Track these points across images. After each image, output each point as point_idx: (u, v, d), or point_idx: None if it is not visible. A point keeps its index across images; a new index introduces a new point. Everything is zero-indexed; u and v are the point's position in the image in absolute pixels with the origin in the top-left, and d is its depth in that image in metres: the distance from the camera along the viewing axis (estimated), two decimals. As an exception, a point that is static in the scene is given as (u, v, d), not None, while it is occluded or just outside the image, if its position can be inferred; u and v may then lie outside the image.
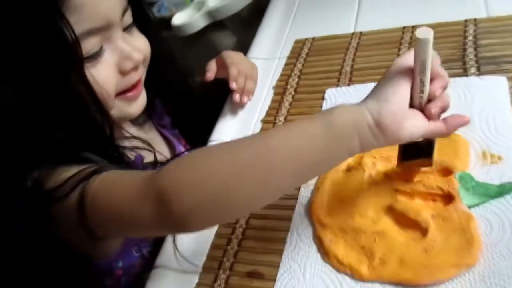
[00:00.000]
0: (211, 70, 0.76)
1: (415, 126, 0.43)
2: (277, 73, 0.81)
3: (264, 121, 0.72)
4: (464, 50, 0.67)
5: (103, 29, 0.52)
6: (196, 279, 0.55)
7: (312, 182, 0.59)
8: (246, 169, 0.40)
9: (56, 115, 0.51)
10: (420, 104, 0.44)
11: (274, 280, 0.51)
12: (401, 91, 0.42)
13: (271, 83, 0.79)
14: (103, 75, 0.53)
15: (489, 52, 0.65)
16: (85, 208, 0.46)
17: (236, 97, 0.74)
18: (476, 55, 0.66)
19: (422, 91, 0.43)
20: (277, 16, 0.96)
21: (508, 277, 0.43)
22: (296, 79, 0.77)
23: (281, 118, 0.71)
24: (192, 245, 0.59)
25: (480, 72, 0.63)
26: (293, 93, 0.75)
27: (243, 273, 0.53)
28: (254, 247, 0.56)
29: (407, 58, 0.43)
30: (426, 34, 0.40)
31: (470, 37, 0.69)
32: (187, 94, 0.76)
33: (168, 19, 1.29)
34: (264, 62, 0.84)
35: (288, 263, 0.52)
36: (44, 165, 0.51)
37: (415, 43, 0.41)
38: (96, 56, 0.52)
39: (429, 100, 0.44)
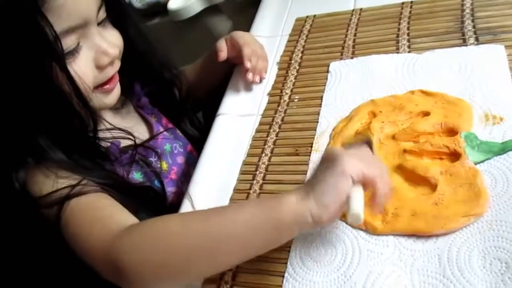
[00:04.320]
0: (224, 51, 0.77)
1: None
2: (280, 50, 0.83)
3: (270, 95, 0.74)
4: (462, 22, 0.70)
5: (80, 27, 0.54)
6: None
7: (322, 148, 0.62)
8: (196, 252, 0.46)
9: (40, 113, 0.53)
10: None
11: (292, 238, 0.54)
12: (341, 197, 0.44)
13: (274, 59, 0.81)
14: (81, 70, 0.55)
15: (486, 24, 0.68)
16: (60, 227, 0.52)
17: (250, 76, 0.75)
18: (474, 27, 0.68)
19: None
20: (277, -5, 0.97)
21: (514, 224, 0.46)
22: (300, 55, 0.79)
23: (287, 91, 0.73)
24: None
25: (478, 42, 0.66)
26: (297, 67, 0.77)
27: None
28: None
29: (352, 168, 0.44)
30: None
31: (467, 10, 0.72)
32: (167, 78, 0.77)
33: (164, 4, 1.30)
34: (266, 39, 0.85)
35: (304, 223, 0.55)
36: (27, 165, 0.54)
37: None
38: (73, 52, 0.54)
39: None
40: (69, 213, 0.51)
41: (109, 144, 0.62)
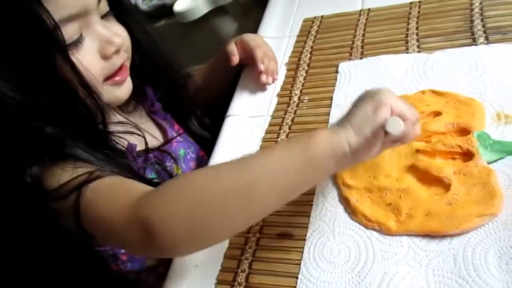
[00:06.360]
0: (236, 55, 0.77)
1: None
2: (288, 51, 0.83)
3: (279, 95, 0.74)
4: (471, 21, 0.70)
5: (81, 16, 0.53)
6: (227, 243, 0.57)
7: (333, 149, 0.62)
8: (230, 199, 0.43)
9: (46, 106, 0.52)
10: None
11: (304, 239, 0.54)
12: (379, 123, 0.44)
13: (283, 60, 0.81)
14: (87, 61, 0.54)
15: (496, 23, 0.68)
16: (79, 215, 0.49)
17: (263, 78, 0.75)
18: (483, 26, 0.68)
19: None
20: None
21: (529, 224, 0.46)
22: (308, 55, 0.79)
23: (297, 92, 0.73)
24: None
25: (488, 41, 0.66)
26: (306, 68, 0.77)
27: (273, 235, 0.56)
28: (282, 211, 0.57)
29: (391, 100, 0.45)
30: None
31: (476, 9, 0.71)
32: (174, 80, 0.77)
33: (170, 6, 1.30)
34: (274, 40, 0.85)
35: (317, 223, 0.55)
36: (41, 161, 0.52)
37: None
38: (77, 43, 0.54)
39: None
40: (88, 194, 0.49)
41: (126, 144, 0.61)
